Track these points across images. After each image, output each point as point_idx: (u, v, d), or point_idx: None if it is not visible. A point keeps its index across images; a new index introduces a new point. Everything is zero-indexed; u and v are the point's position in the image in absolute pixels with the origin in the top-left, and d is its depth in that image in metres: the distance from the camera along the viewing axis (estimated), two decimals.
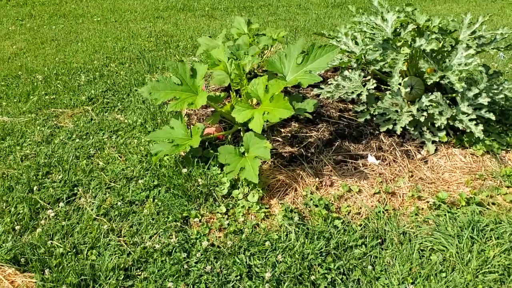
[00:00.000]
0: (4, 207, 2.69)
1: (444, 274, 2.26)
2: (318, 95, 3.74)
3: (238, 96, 3.25)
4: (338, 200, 2.77)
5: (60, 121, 3.77)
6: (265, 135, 2.85)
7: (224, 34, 4.13)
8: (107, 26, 6.90)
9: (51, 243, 2.41)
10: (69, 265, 2.25)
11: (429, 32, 3.15)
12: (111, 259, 2.31)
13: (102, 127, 3.64)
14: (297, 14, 7.73)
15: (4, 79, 4.68)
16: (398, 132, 3.16)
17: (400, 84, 3.31)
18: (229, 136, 3.22)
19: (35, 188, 2.86)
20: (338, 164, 3.07)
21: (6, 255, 2.29)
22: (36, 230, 2.50)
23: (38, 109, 3.98)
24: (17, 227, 2.52)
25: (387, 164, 3.06)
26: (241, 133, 3.14)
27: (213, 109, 3.69)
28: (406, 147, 3.20)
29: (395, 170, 3.01)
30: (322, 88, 3.64)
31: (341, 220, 2.59)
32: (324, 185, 2.90)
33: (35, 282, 2.14)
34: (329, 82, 3.58)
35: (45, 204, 2.72)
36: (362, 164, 3.06)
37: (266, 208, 2.67)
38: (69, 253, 2.34)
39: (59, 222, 2.58)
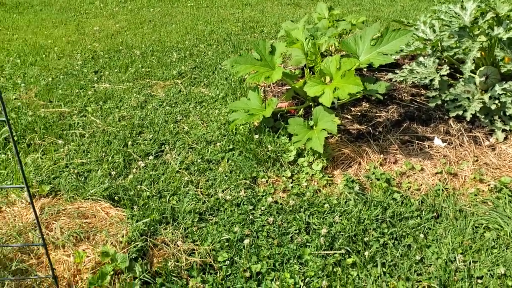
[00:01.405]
0: (103, 156, 3.15)
1: (496, 250, 2.34)
2: (391, 79, 3.86)
3: (311, 73, 3.47)
4: (399, 176, 2.91)
5: (153, 91, 4.22)
6: (335, 112, 3.05)
7: (306, 19, 4.35)
8: (199, 10, 7.38)
9: (140, 187, 2.81)
10: (153, 205, 2.62)
11: (508, 21, 3.16)
12: (189, 204, 2.65)
13: (188, 98, 4.04)
14: (382, 6, 7.73)
15: (107, 52, 5.27)
16: (468, 119, 3.22)
17: (472, 72, 3.35)
18: (300, 110, 3.45)
19: (129, 143, 3.30)
20: (404, 144, 3.19)
21: (103, 192, 2.72)
22: (128, 177, 2.92)
23: (135, 79, 4.47)
24: (113, 172, 2.95)
25: (453, 147, 3.14)
26: (312, 109, 3.37)
27: (287, 88, 3.94)
28: (475, 133, 3.24)
29: (460, 154, 3.08)
30: (396, 73, 3.75)
31: (400, 194, 2.74)
32: (388, 162, 3.04)
33: (125, 215, 2.53)
34: (404, 68, 3.68)
35: (136, 156, 3.14)
36: (428, 145, 3.16)
37: (328, 177, 2.89)
38: (154, 197, 2.72)
39: (147, 171, 2.97)
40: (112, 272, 2.06)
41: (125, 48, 5.41)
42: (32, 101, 4.00)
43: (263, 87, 4.01)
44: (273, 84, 4.11)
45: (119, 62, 4.92)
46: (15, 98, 4.08)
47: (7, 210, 2.53)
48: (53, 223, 2.41)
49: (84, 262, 2.14)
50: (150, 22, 6.66)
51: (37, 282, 2.01)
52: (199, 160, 3.08)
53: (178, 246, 2.33)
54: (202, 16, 7.02)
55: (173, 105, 3.93)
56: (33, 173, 2.91)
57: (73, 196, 2.69)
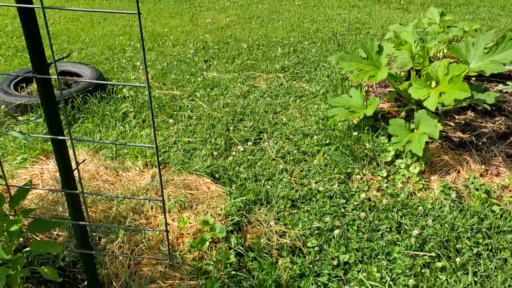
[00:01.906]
0: (207, 138, 3.38)
1: None
2: (501, 91, 3.69)
3: (417, 76, 3.43)
4: (501, 189, 2.80)
5: (256, 82, 4.42)
6: (437, 118, 3.00)
7: (415, 23, 4.29)
8: (306, 9, 7.50)
9: (238, 169, 2.99)
10: (249, 186, 2.78)
11: None
12: (282, 190, 2.78)
13: (289, 91, 4.17)
14: (498, 15, 7.30)
15: (217, 44, 5.58)
16: None
17: None
18: (402, 113, 3.43)
19: (231, 128, 3.51)
20: (510, 158, 3.06)
21: (206, 169, 2.94)
22: (228, 158, 3.12)
23: (240, 70, 4.70)
24: (214, 153, 3.17)
25: None
26: (414, 112, 3.33)
27: (389, 89, 3.92)
28: None
29: None
30: (507, 84, 3.58)
31: (500, 207, 2.65)
32: (490, 173, 2.94)
33: (224, 191, 2.72)
34: None
35: (237, 141, 3.33)
36: None
37: (425, 181, 2.86)
38: (250, 179, 2.88)
39: (245, 156, 3.15)
40: (210, 240, 2.24)
41: (233, 41, 5.68)
42: (149, 83, 4.36)
43: (365, 87, 4.02)
44: (375, 84, 4.11)
45: (227, 54, 5.19)
46: (134, 78, 4.48)
47: (123, 174, 2.84)
48: (164, 190, 2.65)
49: (186, 228, 2.35)
50: (258, 18, 6.90)
51: (147, 238, 2.25)
52: (295, 151, 3.19)
53: (271, 226, 2.46)
54: (309, 14, 7.13)
55: (274, 97, 4.08)
56: (143, 148, 3.20)
57: (179, 169, 2.93)
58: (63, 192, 2.59)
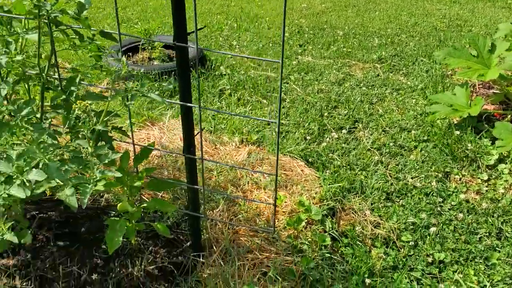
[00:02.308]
0: (300, 121, 3.40)
1: None
2: None
3: None
4: None
5: (352, 71, 4.36)
6: None
7: None
8: (404, 1, 7.25)
9: (331, 155, 2.99)
10: (343, 174, 2.78)
11: None
12: (377, 182, 2.75)
13: (385, 83, 4.09)
14: None
15: (312, 29, 5.56)
16: None
17: None
18: (508, 116, 3.25)
19: (325, 114, 3.50)
20: None
21: (299, 152, 2.97)
22: (321, 144, 3.13)
23: (336, 57, 4.66)
24: (308, 137, 3.19)
25: None
26: None
27: (494, 91, 3.72)
28: None
29: None
30: None
31: None
32: None
33: (318, 176, 2.74)
34: None
35: (330, 128, 3.33)
36: None
37: None
38: (343, 167, 2.88)
39: (339, 143, 3.14)
40: (306, 220, 2.28)
41: (328, 28, 5.63)
42: (244, 62, 4.46)
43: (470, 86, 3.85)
44: (478, 84, 3.92)
45: (322, 40, 5.17)
46: (230, 57, 4.59)
47: (221, 148, 2.94)
48: (258, 167, 2.73)
49: (281, 206, 2.40)
50: (354, 6, 6.77)
51: (244, 210, 2.33)
52: (391, 144, 3.13)
53: (365, 216, 2.46)
54: (407, 7, 6.89)
55: (370, 87, 4.01)
56: (242, 124, 3.29)
57: (274, 149, 2.99)
58: (167, 158, 2.74)
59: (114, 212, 2.29)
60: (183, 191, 2.44)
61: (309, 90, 3.93)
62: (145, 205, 1.87)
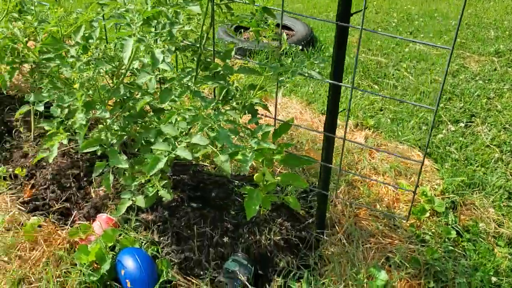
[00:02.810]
0: (414, 110, 3.33)
1: None
2: None
3: None
4: None
5: (466, 63, 4.17)
6: None
7: None
8: None
9: (448, 148, 2.91)
10: (462, 168, 2.70)
11: None
12: (498, 180, 2.64)
13: (504, 78, 3.87)
14: None
15: (422, 17, 5.36)
16: None
17: None
18: None
19: (441, 105, 3.40)
20: None
21: (416, 141, 2.92)
22: (438, 135, 3.04)
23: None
24: (423, 127, 3.12)
25: None
26: None
27: None
28: None
29: None
30: None
31: None
32: None
33: (437, 168, 2.69)
34: None
35: (446, 120, 3.23)
36: None
37: None
38: (461, 161, 2.79)
39: (456, 136, 3.04)
40: (429, 211, 2.25)
41: (439, 16, 5.40)
42: (354, 45, 4.41)
43: None
44: None
45: (433, 28, 4.97)
46: None
47: None
48: (375, 153, 2.72)
49: (402, 194, 2.39)
50: None
51: (366, 194, 2.35)
52: None
53: (488, 213, 2.38)
54: None
55: (487, 81, 3.82)
56: (353, 108, 3.28)
57: (389, 136, 2.96)
58: (290, 136, 2.79)
59: (237, 182, 2.39)
60: (301, 169, 2.51)
61: (421, 79, 3.82)
62: (279, 178, 1.94)
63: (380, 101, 3.44)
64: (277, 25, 4.59)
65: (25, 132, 2.65)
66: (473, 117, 3.30)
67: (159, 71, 1.72)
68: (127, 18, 1.43)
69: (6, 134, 2.68)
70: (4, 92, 2.18)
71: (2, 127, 2.73)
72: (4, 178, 2.38)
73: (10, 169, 2.43)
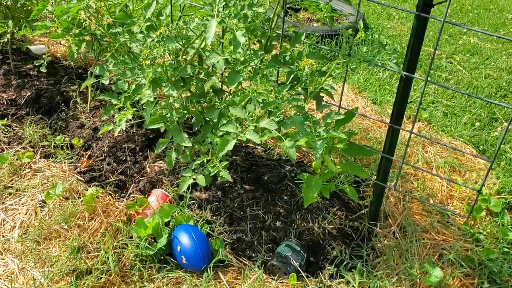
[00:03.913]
0: (467, 105, 3.24)
1: None
2: None
3: None
4: None
5: None
6: None
7: None
8: None
9: (503, 147, 2.83)
10: None
11: None
12: None
13: None
14: None
15: (476, 8, 5.18)
16: None
17: None
18: None
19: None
20: None
21: (470, 138, 2.85)
22: (492, 133, 2.96)
23: (504, 42, 4.32)
24: (476, 124, 3.04)
25: None
26: None
27: None
28: None
29: None
30: None
31: None
32: None
33: (492, 168, 2.61)
34: None
35: (501, 117, 3.14)
36: None
37: None
38: None
39: (511, 135, 2.95)
40: (485, 210, 2.21)
41: (495, 8, 5.21)
42: (403, 34, 4.30)
43: None
44: None
45: (488, 21, 4.80)
46: (388, 27, 4.45)
47: (386, 120, 2.90)
48: (428, 147, 2.67)
49: (457, 191, 2.34)
50: None
51: (421, 188, 2.31)
52: None
53: None
54: None
55: None
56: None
57: (442, 130, 2.89)
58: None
59: (288, 166, 2.39)
60: (352, 158, 2.48)
61: (475, 73, 3.71)
62: (339, 167, 1.92)
63: (431, 94, 3.36)
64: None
65: (81, 104, 2.70)
66: None
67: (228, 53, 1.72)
68: None
69: (62, 104, 2.73)
70: (72, 63, 2.21)
71: (58, 97, 2.78)
72: (61, 147, 2.43)
73: (67, 139, 2.49)
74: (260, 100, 1.53)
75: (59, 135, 2.52)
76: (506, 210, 2.31)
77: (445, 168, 2.50)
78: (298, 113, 1.51)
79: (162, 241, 1.86)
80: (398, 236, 2.04)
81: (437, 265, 1.91)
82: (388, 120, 1.83)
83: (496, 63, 3.90)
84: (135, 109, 1.88)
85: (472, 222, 2.20)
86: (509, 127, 3.00)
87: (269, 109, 1.60)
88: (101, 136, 2.46)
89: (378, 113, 2.98)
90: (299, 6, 1.98)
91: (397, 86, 3.37)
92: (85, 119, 2.61)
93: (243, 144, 2.51)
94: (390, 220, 2.12)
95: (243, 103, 1.57)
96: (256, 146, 2.53)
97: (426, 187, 2.35)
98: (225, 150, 1.53)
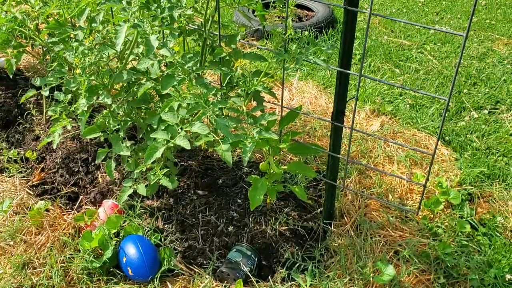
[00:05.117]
0: (434, 98, 3.19)
1: None
2: None
3: None
4: None
5: (494, 46, 3.98)
6: None
7: None
8: None
9: (470, 136, 2.79)
10: (482, 158, 2.58)
11: None
12: None
13: None
14: None
15: None
16: None
17: None
18: None
19: (464, 91, 3.25)
20: None
21: (435, 129, 2.81)
22: (459, 123, 2.92)
23: (476, 29, 4.28)
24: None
25: None
26: None
27: None
28: None
29: None
30: None
31: None
32: None
33: (455, 157, 2.58)
34: None
35: (469, 106, 3.09)
36: None
37: None
38: (482, 150, 2.67)
39: (478, 124, 2.91)
40: (444, 203, 2.17)
41: None
42: (375, 27, 4.26)
43: None
44: None
45: (461, 8, 4.75)
46: (361, 20, 4.40)
47: (351, 116, 2.86)
48: (388, 141, 2.63)
49: (416, 185, 2.30)
50: None
51: (378, 184, 2.27)
52: None
53: (507, 206, 2.27)
54: None
55: None
56: (371, 93, 3.17)
57: (407, 123, 2.85)
58: (296, 122, 2.72)
59: (245, 168, 2.35)
60: (312, 157, 2.44)
61: (446, 62, 3.66)
62: (285, 167, 1.88)
63: (379, 82, 3.32)
64: (297, 5, 4.45)
65: (37, 115, 2.66)
66: (498, 104, 3.15)
67: (162, 56, 1.68)
68: (123, 2, 1.38)
69: (20, 117, 2.69)
70: (11, 76, 2.17)
71: (16, 110, 2.74)
72: (16, 161, 2.40)
73: (22, 152, 2.45)
74: (185, 105, 1.48)
75: (15, 148, 2.48)
76: (467, 202, 2.27)
77: (406, 162, 2.46)
78: (223, 116, 1.47)
79: (108, 253, 1.83)
80: (352, 235, 2.00)
81: (392, 262, 1.88)
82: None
83: (468, 51, 3.85)
84: (70, 119, 1.83)
85: (431, 216, 2.16)
86: (476, 116, 2.97)
87: (202, 114, 1.56)
88: (55, 147, 2.42)
89: None
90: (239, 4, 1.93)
91: (364, 82, 3.33)
92: (40, 130, 2.57)
93: (200, 148, 2.47)
94: (345, 218, 2.08)
95: (168, 108, 1.52)
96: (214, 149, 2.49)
97: (385, 182, 2.31)
98: (153, 157, 1.49)
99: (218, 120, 1.42)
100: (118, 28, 1.35)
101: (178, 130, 1.57)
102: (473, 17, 4.35)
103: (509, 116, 3.00)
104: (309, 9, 4.36)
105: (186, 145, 1.49)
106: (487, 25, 4.38)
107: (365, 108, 2.96)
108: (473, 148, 2.69)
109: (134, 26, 1.36)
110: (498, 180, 2.45)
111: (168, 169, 1.75)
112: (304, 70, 3.43)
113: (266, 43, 3.86)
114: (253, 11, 4.25)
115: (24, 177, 2.30)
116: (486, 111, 3.04)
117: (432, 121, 2.92)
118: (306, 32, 3.77)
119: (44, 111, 2.62)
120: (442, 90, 3.28)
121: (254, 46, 3.53)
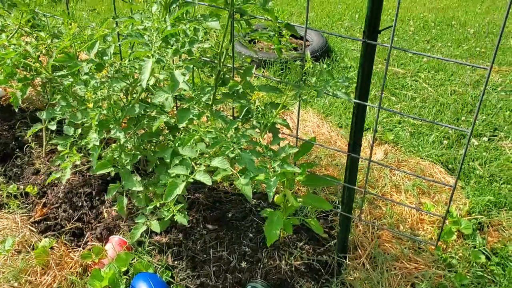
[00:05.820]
0: (433, 125, 3.22)
1: None
2: None
3: None
4: None
5: (487, 73, 4.06)
6: None
7: None
8: None
9: (472, 164, 2.80)
10: (487, 186, 2.59)
11: None
12: None
13: None
14: None
15: (439, 24, 5.26)
16: None
17: None
18: None
19: (461, 118, 3.29)
20: None
21: (438, 157, 2.81)
22: (460, 151, 2.93)
23: (468, 57, 4.37)
24: (444, 142, 3.01)
25: None
26: None
27: None
28: None
29: None
30: None
31: None
32: None
33: (461, 186, 2.58)
34: None
35: (468, 133, 3.12)
36: None
37: None
38: (485, 178, 2.68)
39: (479, 151, 2.93)
40: (456, 233, 2.15)
41: (457, 24, 5.28)
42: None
43: None
44: None
45: (451, 37, 4.86)
46: (353, 49, 4.46)
47: None
48: (395, 170, 2.62)
49: (426, 215, 2.29)
50: (482, 3, 6.29)
51: (389, 215, 2.25)
52: None
53: None
54: None
55: (509, 92, 3.71)
56: (372, 121, 3.18)
57: (409, 151, 2.86)
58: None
59: (254, 201, 2.31)
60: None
61: (441, 90, 3.71)
62: (301, 200, 1.85)
63: (398, 114, 3.34)
64: (292, 35, 4.48)
65: (37, 148, 2.59)
66: (496, 131, 3.19)
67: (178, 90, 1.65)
68: (145, 37, 1.36)
69: (17, 150, 2.62)
70: (16, 109, 2.12)
71: (13, 142, 2.67)
72: (15, 196, 2.32)
73: (22, 187, 2.37)
74: (208, 139, 1.45)
75: (13, 183, 2.40)
76: (478, 231, 2.26)
77: (414, 191, 2.45)
78: (247, 150, 1.44)
79: None
80: (368, 268, 1.96)
81: None
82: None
83: (461, 79, 3.92)
84: (81, 154, 1.78)
85: (444, 246, 2.14)
86: (476, 143, 2.99)
87: (225, 148, 1.53)
88: (56, 181, 2.35)
89: (344, 138, 2.93)
90: (250, 38, 1.93)
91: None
92: (40, 164, 2.50)
93: None
94: (359, 251, 2.04)
95: (190, 142, 1.49)
96: (221, 181, 2.45)
97: (395, 213, 2.29)
98: (173, 194, 1.45)
99: (242, 154, 1.39)
100: (142, 63, 1.33)
101: (192, 164, 1.53)
102: (463, 45, 4.47)
103: (508, 143, 3.04)
104: (302, 39, 4.40)
105: (207, 181, 1.46)
106: (477, 52, 4.48)
107: (367, 137, 2.96)
108: (476, 176, 2.69)
109: (158, 61, 1.33)
110: (505, 208, 2.46)
111: (182, 205, 1.70)
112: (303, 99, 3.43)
113: (263, 72, 3.87)
114: (249, 41, 4.27)
115: (25, 213, 2.22)
116: (485, 138, 3.07)
117: (434, 149, 2.93)
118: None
119: (44, 144, 2.55)
120: (440, 118, 3.31)
121: (254, 75, 3.53)
